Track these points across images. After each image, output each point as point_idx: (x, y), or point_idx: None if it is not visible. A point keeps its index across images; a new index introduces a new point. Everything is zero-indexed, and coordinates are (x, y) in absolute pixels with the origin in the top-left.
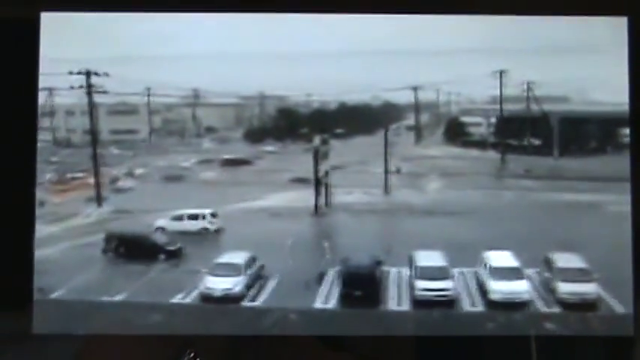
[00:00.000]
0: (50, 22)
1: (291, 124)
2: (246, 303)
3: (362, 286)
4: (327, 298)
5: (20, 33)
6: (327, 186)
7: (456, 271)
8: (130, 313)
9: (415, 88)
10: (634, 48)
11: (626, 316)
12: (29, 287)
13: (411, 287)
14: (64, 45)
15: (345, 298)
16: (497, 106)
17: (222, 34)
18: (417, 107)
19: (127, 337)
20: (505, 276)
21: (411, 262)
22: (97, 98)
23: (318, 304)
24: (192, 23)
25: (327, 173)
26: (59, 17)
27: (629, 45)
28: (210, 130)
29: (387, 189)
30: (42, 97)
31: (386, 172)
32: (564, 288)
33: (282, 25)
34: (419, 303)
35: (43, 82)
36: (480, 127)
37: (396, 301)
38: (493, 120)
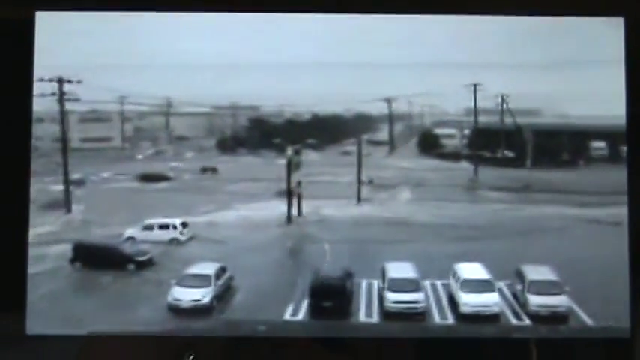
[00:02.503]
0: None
1: (263, 134)
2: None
3: (332, 297)
4: (295, 310)
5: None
6: (299, 196)
7: (427, 282)
8: None
9: (388, 100)
10: (630, 48)
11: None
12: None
13: (382, 299)
14: (38, 51)
15: (315, 309)
16: (472, 119)
17: (196, 44)
18: (391, 119)
19: (127, 338)
20: (475, 288)
21: (382, 274)
22: (69, 106)
23: (287, 316)
24: (167, 33)
25: (299, 184)
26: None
27: (625, 45)
28: (181, 139)
29: (359, 200)
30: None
31: (359, 182)
32: (535, 300)
33: (257, 35)
34: (389, 315)
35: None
36: (454, 139)
37: (364, 313)
38: (467, 132)
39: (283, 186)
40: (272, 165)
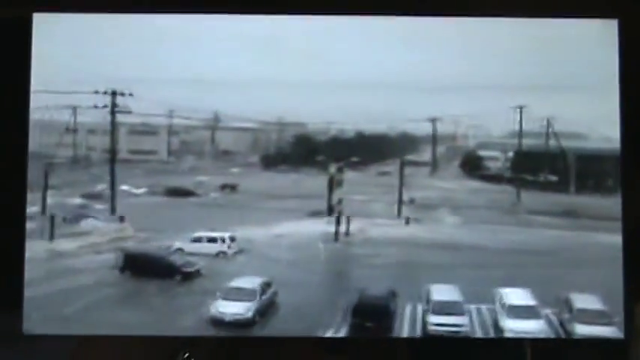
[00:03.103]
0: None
1: (307, 151)
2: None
3: (375, 317)
4: (337, 329)
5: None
6: (340, 214)
7: (472, 307)
8: None
9: (433, 120)
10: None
11: None
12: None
13: (424, 321)
14: (90, 64)
15: (356, 330)
16: (515, 141)
17: (245, 60)
18: (434, 139)
19: (121, 338)
20: (521, 314)
21: (425, 296)
22: (120, 118)
23: (329, 334)
24: (215, 47)
25: (340, 201)
26: (85, 34)
27: (619, 47)
28: (226, 153)
29: (399, 216)
30: (66, 115)
31: (399, 202)
32: (582, 330)
33: (305, 53)
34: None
35: (68, 99)
36: (497, 161)
37: (407, 335)
38: (510, 154)
39: (325, 203)
40: (315, 182)
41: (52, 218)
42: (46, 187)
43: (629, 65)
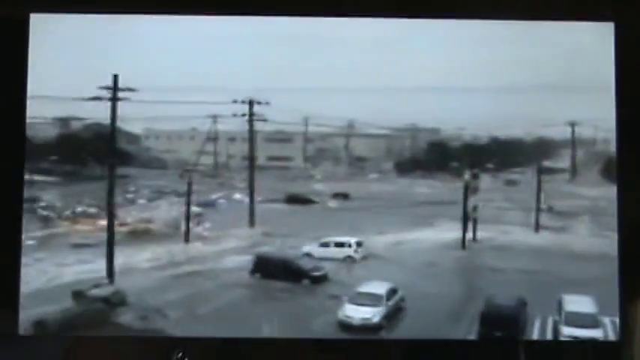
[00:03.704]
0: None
1: (441, 157)
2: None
3: (504, 326)
4: (465, 336)
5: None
6: (475, 221)
7: (606, 319)
8: None
9: (572, 124)
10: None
11: None
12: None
13: (556, 333)
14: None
15: (483, 338)
16: None
17: (376, 67)
18: (573, 143)
19: (115, 338)
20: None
21: (558, 307)
22: (258, 126)
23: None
24: (347, 53)
25: (475, 208)
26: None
27: (615, 51)
28: (360, 159)
29: (537, 227)
30: (207, 124)
31: (537, 210)
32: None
33: (436, 59)
34: None
35: (208, 109)
36: None
37: None
38: None
39: (458, 210)
40: (448, 188)
41: (188, 221)
42: (189, 193)
43: (625, 67)
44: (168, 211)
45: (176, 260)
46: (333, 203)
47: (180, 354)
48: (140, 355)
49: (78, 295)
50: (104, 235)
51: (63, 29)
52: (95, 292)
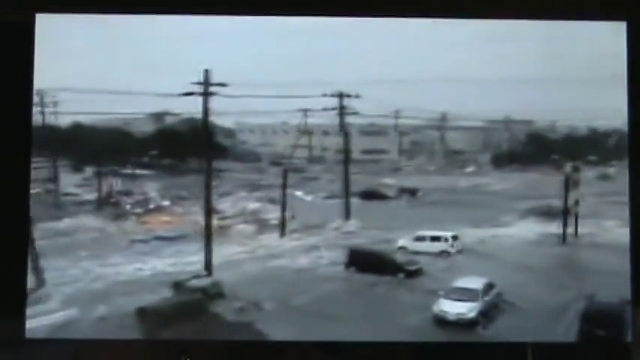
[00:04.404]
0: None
1: (539, 149)
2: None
3: (606, 325)
4: (566, 334)
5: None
6: (576, 216)
7: None
8: None
9: None
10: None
11: None
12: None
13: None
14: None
15: (585, 337)
16: None
17: (466, 57)
18: None
19: (120, 342)
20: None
21: None
22: (350, 119)
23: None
24: (434, 48)
25: (577, 202)
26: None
27: (627, 50)
28: (457, 153)
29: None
30: (297, 118)
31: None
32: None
33: (528, 50)
34: None
35: (298, 104)
36: None
37: None
38: None
39: (555, 204)
40: (549, 182)
41: (284, 218)
42: (284, 186)
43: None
44: (262, 204)
45: (271, 253)
46: (426, 197)
47: (186, 359)
48: (146, 358)
49: (177, 285)
50: (198, 228)
51: (156, 28)
52: (194, 282)
